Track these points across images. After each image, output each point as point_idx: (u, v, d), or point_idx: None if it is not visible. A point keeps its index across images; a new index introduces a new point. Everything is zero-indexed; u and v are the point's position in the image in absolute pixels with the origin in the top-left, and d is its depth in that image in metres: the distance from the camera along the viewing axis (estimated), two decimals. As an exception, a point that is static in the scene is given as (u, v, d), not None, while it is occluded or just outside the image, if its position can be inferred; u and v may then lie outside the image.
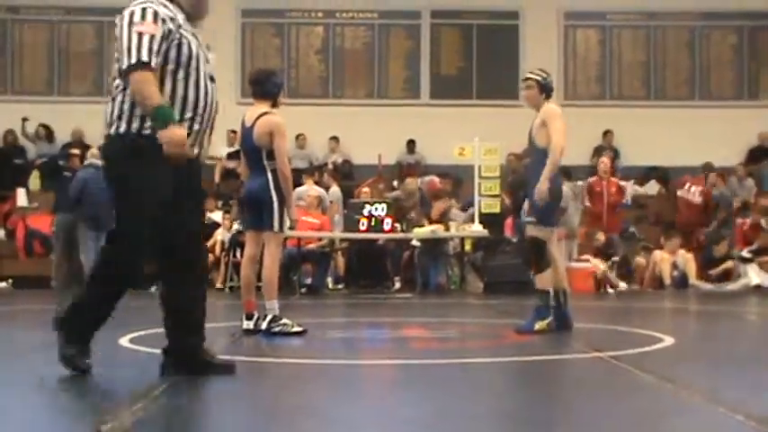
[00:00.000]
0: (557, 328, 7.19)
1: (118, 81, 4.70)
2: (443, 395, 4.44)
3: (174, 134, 4.54)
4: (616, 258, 14.43)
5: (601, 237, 14.45)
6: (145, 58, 4.55)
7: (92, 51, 19.00)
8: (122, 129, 4.66)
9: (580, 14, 19.34)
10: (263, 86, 7.42)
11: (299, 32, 19.16)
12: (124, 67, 4.57)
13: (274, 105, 7.44)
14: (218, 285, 14.03)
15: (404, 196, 15.34)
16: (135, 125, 4.64)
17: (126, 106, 4.66)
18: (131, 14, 4.63)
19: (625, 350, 5.90)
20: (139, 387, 4.22)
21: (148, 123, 4.61)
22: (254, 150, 7.24)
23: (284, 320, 7.08)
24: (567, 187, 15.17)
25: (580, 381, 5.02)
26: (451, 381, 4.98)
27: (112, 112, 4.70)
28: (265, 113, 7.22)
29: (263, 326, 7.05)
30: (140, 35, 4.58)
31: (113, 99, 4.72)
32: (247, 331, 7.13)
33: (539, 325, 7.10)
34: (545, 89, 7.51)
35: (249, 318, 7.17)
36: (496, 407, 4.14)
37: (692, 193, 15.99)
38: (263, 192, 7.06)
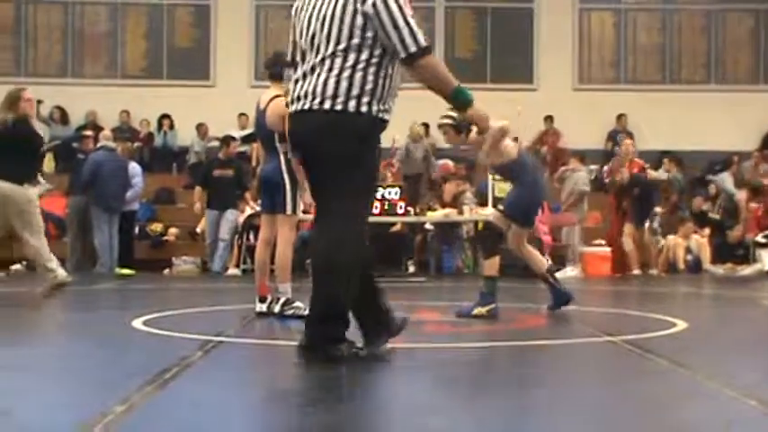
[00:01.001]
0: (558, 307, 7.26)
1: (353, 56, 4.58)
2: (455, 379, 4.43)
3: (483, 111, 4.80)
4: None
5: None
6: (426, 42, 4.58)
7: (106, 33, 19.06)
8: (364, 108, 4.56)
9: (595, -2, 19.28)
10: (273, 68, 7.40)
11: (313, 15, 19.11)
12: (413, 50, 4.52)
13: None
14: (232, 268, 14.04)
15: (411, 141, 15.22)
16: (375, 107, 4.59)
17: (369, 87, 4.57)
18: None
19: (637, 335, 5.88)
20: (152, 369, 4.22)
21: (384, 107, 4.62)
22: (267, 134, 7.22)
23: (297, 303, 7.07)
24: (583, 172, 15.19)
25: (592, 365, 5.00)
26: (463, 364, 4.97)
27: (349, 87, 4.55)
28: (278, 96, 7.18)
29: (276, 309, 7.06)
30: (412, 18, 4.57)
31: (346, 70, 4.55)
32: (260, 314, 7.14)
33: (477, 310, 7.10)
34: (461, 129, 7.38)
35: (262, 301, 7.18)
36: (508, 391, 4.13)
37: (763, 173, 15.92)
38: (276, 175, 7.08)
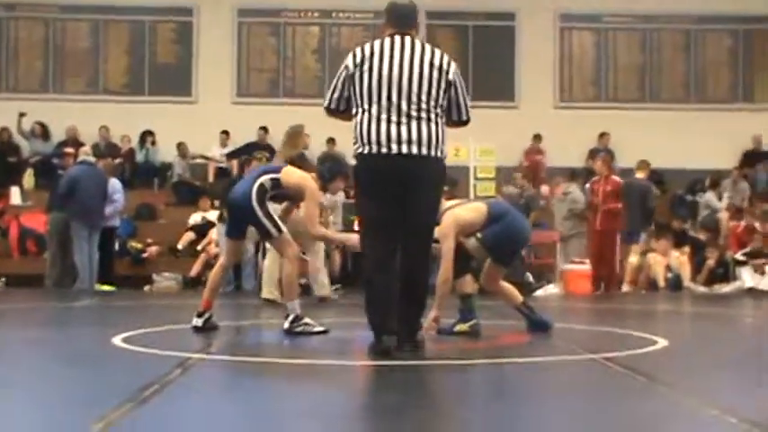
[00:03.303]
0: (536, 332, 7.21)
1: (438, 111, 5.72)
2: (436, 397, 4.43)
3: None
4: None
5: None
6: None
7: (87, 49, 18.98)
8: (443, 154, 5.76)
9: (576, 17, 19.35)
10: (321, 167, 7.43)
11: (296, 32, 19.15)
12: (467, 118, 5.90)
13: (323, 189, 7.46)
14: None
15: None
16: (443, 154, 5.78)
17: (444, 135, 5.76)
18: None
19: (618, 352, 5.89)
20: (131, 387, 4.20)
21: None
22: (271, 167, 7.30)
23: (306, 320, 7.05)
24: (578, 191, 15.26)
25: (573, 383, 5.01)
26: (445, 383, 4.97)
27: (437, 135, 5.71)
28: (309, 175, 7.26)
29: (286, 326, 7.03)
30: None
31: (432, 123, 5.68)
32: (195, 328, 7.11)
33: (459, 327, 7.12)
34: None
35: (200, 315, 7.17)
36: (488, 409, 4.13)
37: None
38: (245, 200, 6.96)
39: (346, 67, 5.81)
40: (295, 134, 9.87)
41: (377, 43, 5.80)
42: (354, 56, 5.79)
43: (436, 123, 5.69)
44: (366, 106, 5.70)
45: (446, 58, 5.82)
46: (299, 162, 9.83)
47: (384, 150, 5.63)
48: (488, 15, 19.20)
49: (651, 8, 19.13)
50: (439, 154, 5.71)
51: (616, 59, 19.42)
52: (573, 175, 16.19)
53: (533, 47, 19.01)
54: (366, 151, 5.69)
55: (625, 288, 14.33)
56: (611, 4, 19.20)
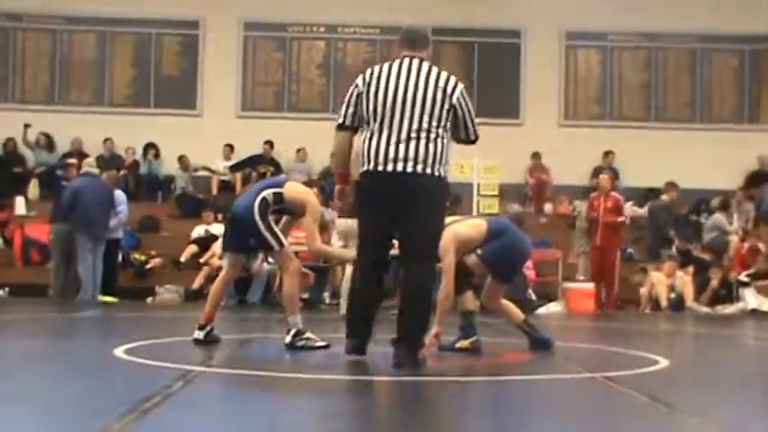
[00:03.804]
0: (537, 350, 7.19)
1: (440, 131, 5.85)
2: (437, 414, 4.42)
3: None
4: None
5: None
6: None
7: (93, 60, 19.03)
8: (444, 172, 5.87)
9: (581, 35, 19.38)
10: (322, 179, 7.47)
11: (301, 47, 19.20)
12: (474, 138, 6.07)
13: (325, 203, 7.49)
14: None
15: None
16: (444, 172, 5.88)
17: (445, 155, 5.87)
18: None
19: (619, 371, 5.89)
20: (133, 398, 4.20)
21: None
22: (274, 181, 7.34)
23: (308, 335, 7.02)
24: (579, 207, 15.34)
25: (573, 402, 5.00)
26: (445, 399, 4.96)
27: (437, 154, 5.82)
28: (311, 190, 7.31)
29: (287, 340, 7.01)
30: None
31: (432, 143, 5.80)
32: (197, 341, 7.11)
33: (461, 343, 7.12)
34: None
35: (201, 328, 7.17)
36: (488, 426, 4.13)
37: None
38: (247, 213, 6.95)
39: (356, 85, 6.02)
40: None
41: (386, 65, 6.02)
42: (364, 75, 6.02)
43: (436, 143, 5.84)
44: (370, 125, 5.91)
45: (452, 81, 5.98)
46: None
47: (381, 168, 5.81)
48: (494, 33, 19.24)
49: (656, 27, 19.17)
50: (438, 172, 5.84)
51: (621, 78, 19.45)
52: (582, 193, 16.24)
53: (539, 64, 19.04)
54: (366, 168, 5.89)
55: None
56: (617, 22, 19.21)
